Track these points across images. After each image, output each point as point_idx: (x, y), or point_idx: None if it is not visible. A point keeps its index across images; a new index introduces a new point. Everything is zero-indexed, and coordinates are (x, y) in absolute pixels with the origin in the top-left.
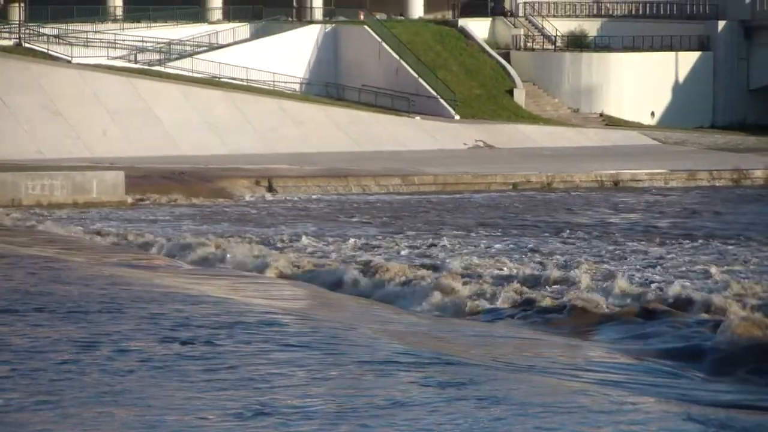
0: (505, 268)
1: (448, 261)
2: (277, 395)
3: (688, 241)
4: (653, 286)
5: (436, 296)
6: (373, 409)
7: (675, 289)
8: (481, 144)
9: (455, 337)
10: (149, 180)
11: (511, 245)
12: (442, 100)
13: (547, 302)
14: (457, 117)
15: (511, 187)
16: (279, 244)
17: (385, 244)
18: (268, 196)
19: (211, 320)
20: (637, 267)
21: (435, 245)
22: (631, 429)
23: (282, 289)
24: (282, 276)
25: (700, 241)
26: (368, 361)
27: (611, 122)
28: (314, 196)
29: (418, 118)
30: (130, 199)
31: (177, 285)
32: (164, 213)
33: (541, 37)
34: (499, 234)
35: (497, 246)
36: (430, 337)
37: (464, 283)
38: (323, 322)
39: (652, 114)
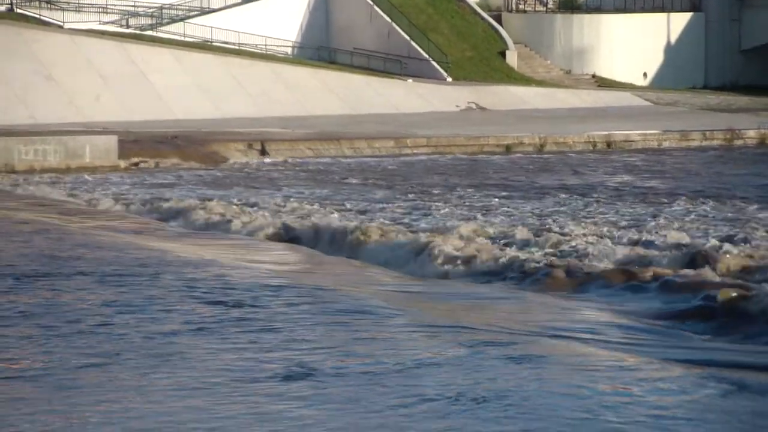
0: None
1: (451, 223)
2: (315, 357)
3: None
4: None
5: (440, 258)
6: (405, 369)
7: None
8: (474, 106)
9: (465, 301)
10: (141, 144)
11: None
12: (434, 63)
13: (545, 263)
14: (450, 79)
15: (504, 149)
16: (274, 207)
17: (390, 206)
18: (261, 159)
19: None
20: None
21: (434, 208)
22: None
23: (277, 252)
24: (283, 239)
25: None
26: (391, 324)
27: (603, 83)
28: (301, 159)
29: (410, 80)
30: (123, 164)
31: (187, 250)
32: (159, 177)
33: None
34: (509, 196)
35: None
36: (441, 302)
37: (463, 244)
38: (337, 288)
39: (645, 75)
